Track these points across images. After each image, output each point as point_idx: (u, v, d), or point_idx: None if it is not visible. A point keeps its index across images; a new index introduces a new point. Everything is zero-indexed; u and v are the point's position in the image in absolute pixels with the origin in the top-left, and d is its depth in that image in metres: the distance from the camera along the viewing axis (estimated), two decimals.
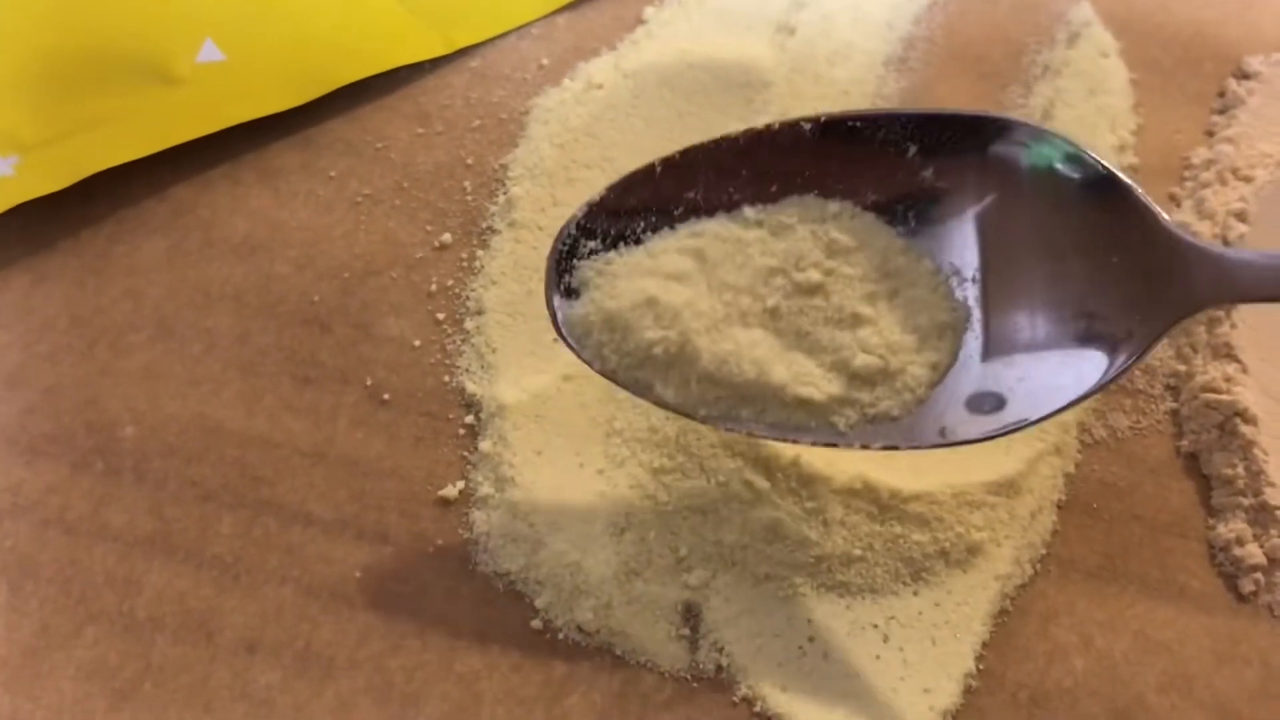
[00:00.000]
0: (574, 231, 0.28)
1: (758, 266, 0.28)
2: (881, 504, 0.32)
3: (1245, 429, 0.33)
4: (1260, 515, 0.33)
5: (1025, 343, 0.28)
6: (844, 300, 0.28)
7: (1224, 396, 0.34)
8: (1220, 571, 0.33)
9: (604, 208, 0.28)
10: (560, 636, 0.31)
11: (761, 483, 0.32)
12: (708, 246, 0.28)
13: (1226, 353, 0.34)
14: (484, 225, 0.36)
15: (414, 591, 0.32)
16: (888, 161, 0.28)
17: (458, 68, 0.39)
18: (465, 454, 0.34)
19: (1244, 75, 0.39)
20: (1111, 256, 0.28)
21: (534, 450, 0.33)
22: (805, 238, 0.29)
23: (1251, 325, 0.35)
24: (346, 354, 0.35)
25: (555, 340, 0.34)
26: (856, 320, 0.28)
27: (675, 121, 0.38)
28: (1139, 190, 0.27)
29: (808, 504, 0.32)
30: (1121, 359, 0.27)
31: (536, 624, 0.31)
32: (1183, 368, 0.35)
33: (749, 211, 0.29)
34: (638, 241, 0.29)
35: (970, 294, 0.29)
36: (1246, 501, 0.33)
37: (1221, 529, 0.33)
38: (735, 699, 0.31)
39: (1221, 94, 0.39)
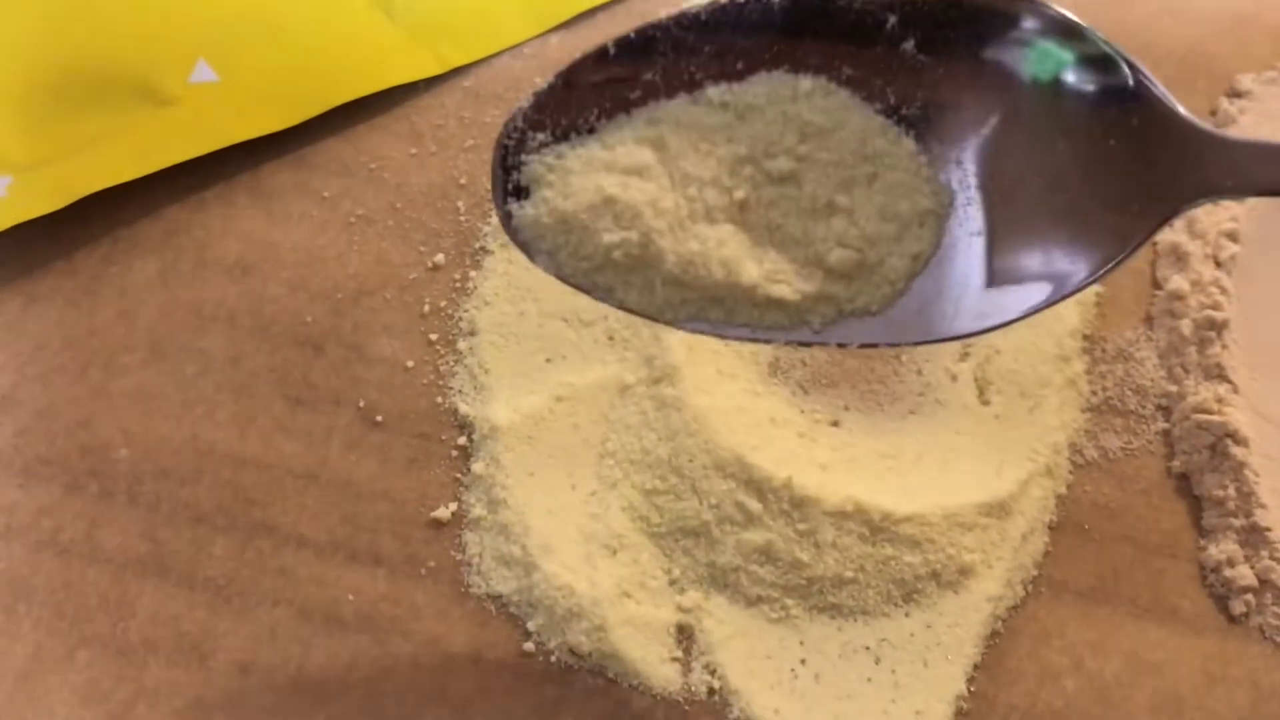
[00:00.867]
0: (520, 124, 0.26)
1: (723, 155, 0.26)
2: (873, 526, 0.32)
3: (1236, 450, 0.33)
4: (1251, 536, 0.33)
5: (1015, 230, 0.26)
6: (818, 189, 0.26)
7: (1215, 417, 0.34)
8: (1211, 593, 0.33)
9: (553, 96, 0.26)
10: (553, 659, 0.31)
11: (753, 505, 0.32)
12: (668, 135, 0.26)
13: (1218, 373, 0.35)
14: (477, 246, 0.36)
15: (406, 614, 0.32)
16: (865, 33, 0.26)
17: (451, 87, 0.39)
18: (458, 475, 0.34)
19: (1236, 94, 0.40)
20: (1109, 140, 0.26)
21: (526, 472, 0.33)
22: (775, 120, 0.26)
23: (1243, 345, 0.35)
24: (339, 375, 0.35)
25: (548, 361, 0.35)
26: (832, 210, 0.26)
27: None
28: (1142, 69, 0.25)
29: (799, 526, 0.32)
30: (1117, 251, 0.25)
31: (529, 646, 0.32)
32: (1174, 388, 0.35)
33: (712, 92, 0.26)
34: (591, 131, 0.26)
35: (954, 177, 0.26)
36: (1238, 523, 0.33)
37: (1213, 550, 0.33)
38: None
39: (1213, 113, 0.39)
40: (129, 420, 0.34)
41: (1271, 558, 0.32)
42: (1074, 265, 0.26)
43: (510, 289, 0.36)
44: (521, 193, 0.26)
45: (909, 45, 0.26)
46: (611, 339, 0.35)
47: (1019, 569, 0.33)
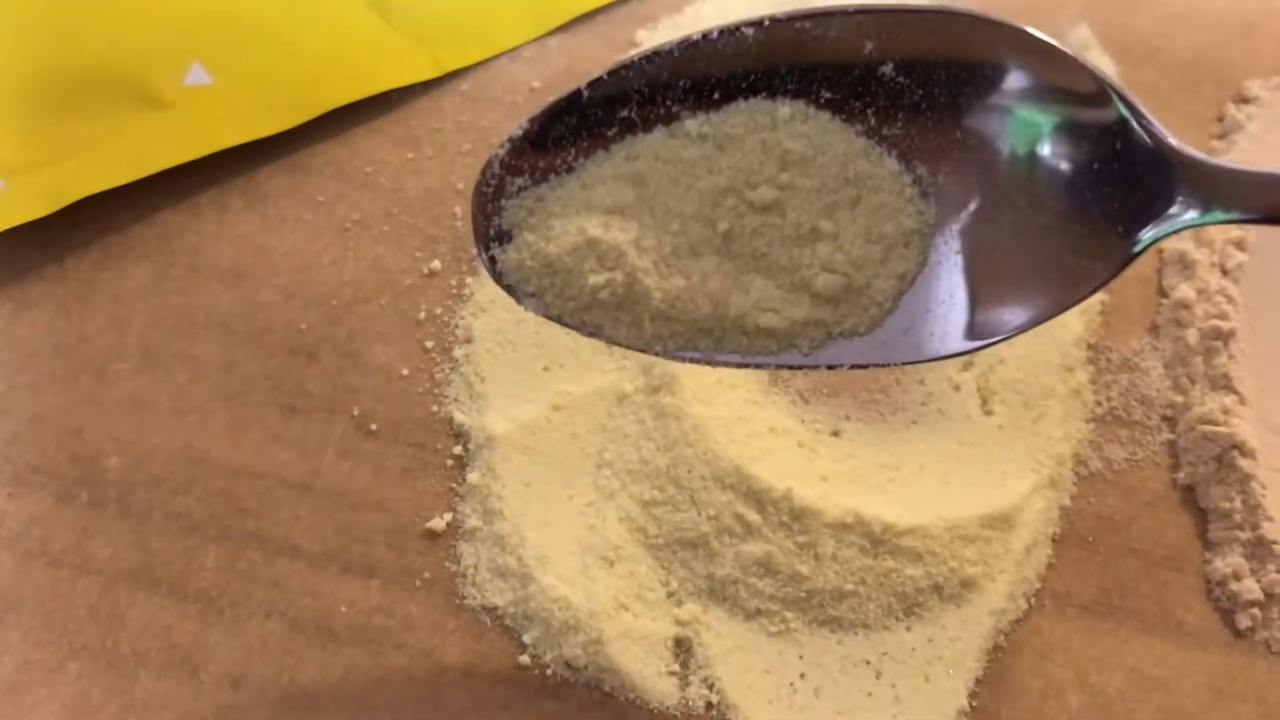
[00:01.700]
0: (498, 170, 0.25)
1: (704, 188, 0.26)
2: (874, 538, 0.31)
3: (1243, 462, 0.33)
4: (1258, 550, 0.32)
5: (1001, 249, 0.26)
6: (802, 216, 0.26)
7: (1221, 429, 0.33)
8: (1217, 607, 0.32)
9: (528, 141, 0.25)
10: (549, 673, 0.31)
11: (753, 516, 0.31)
12: (647, 171, 0.26)
13: (1224, 384, 0.34)
14: (474, 252, 0.36)
15: (400, 626, 0.32)
16: (843, 59, 0.26)
17: (448, 91, 0.39)
18: (453, 485, 0.33)
19: (1244, 100, 0.39)
20: (1093, 160, 0.26)
21: (523, 482, 0.33)
22: (755, 150, 0.26)
23: (1250, 356, 0.35)
24: (334, 383, 0.34)
25: (545, 369, 0.34)
26: (816, 235, 0.26)
27: None
28: (1124, 91, 0.25)
29: (799, 538, 0.31)
30: (1104, 271, 0.26)
31: (524, 660, 0.31)
32: (1180, 399, 0.34)
33: (690, 124, 0.26)
34: (569, 170, 0.26)
35: (938, 195, 0.26)
36: (1244, 535, 0.33)
37: (1218, 563, 0.33)
38: None
39: (1221, 119, 0.39)
40: (120, 428, 0.34)
41: (1278, 571, 0.32)
42: (1061, 284, 0.26)
43: (507, 296, 0.35)
44: (503, 237, 0.26)
45: (888, 69, 0.26)
46: (610, 347, 0.34)
47: (1022, 582, 0.32)
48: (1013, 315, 0.26)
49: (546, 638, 0.31)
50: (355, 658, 0.31)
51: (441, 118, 0.38)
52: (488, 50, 0.39)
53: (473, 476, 0.33)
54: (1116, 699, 0.31)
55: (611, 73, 0.25)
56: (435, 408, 0.34)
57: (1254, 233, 0.36)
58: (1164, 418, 0.35)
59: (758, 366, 0.27)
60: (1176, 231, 0.25)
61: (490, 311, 0.35)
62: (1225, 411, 0.34)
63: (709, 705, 0.31)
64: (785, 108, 0.26)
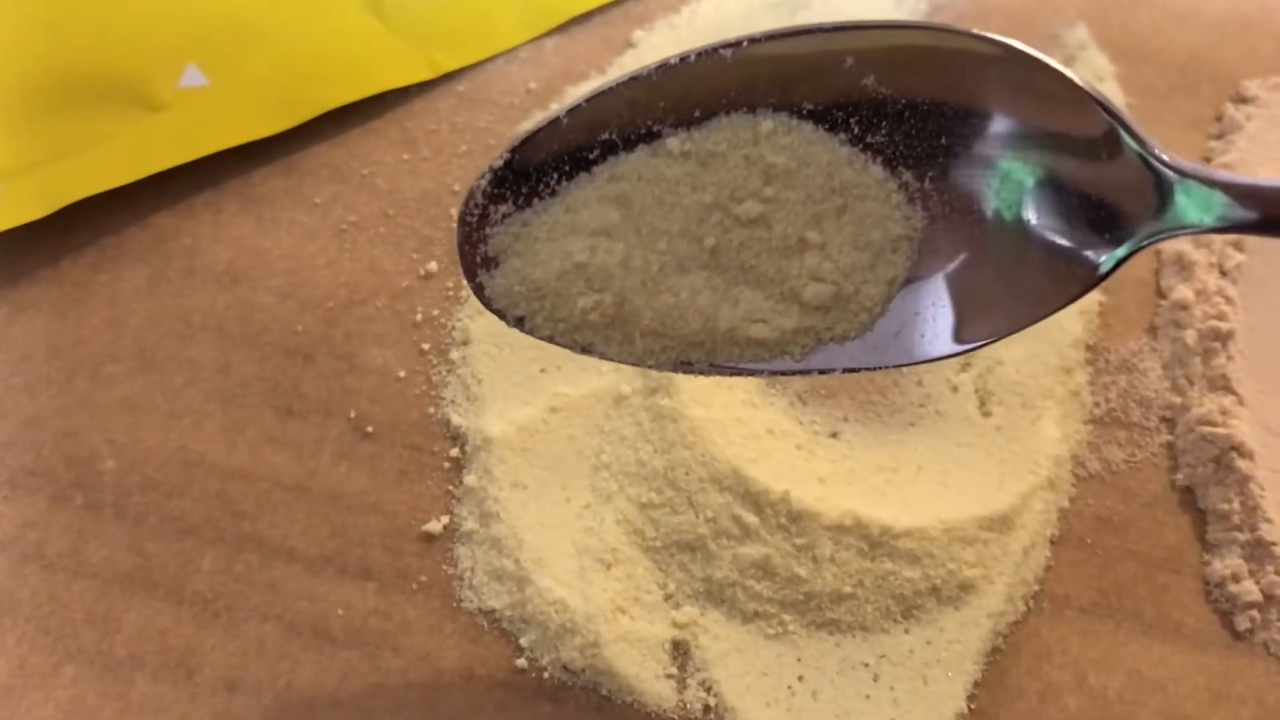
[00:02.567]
0: (480, 200, 0.26)
1: (689, 206, 0.26)
2: (872, 540, 0.31)
3: (1241, 463, 0.33)
4: (1256, 551, 0.32)
5: (988, 251, 0.26)
6: (789, 228, 0.26)
7: (1220, 430, 0.33)
8: (1216, 608, 0.32)
9: (510, 170, 0.26)
10: (546, 676, 0.31)
11: (750, 518, 0.31)
12: (631, 191, 0.26)
13: (1223, 385, 0.34)
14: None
15: (397, 629, 0.31)
16: (823, 72, 0.25)
17: (444, 92, 0.39)
18: (450, 488, 0.33)
19: (1242, 99, 0.39)
20: (1080, 171, 0.26)
21: (519, 485, 0.33)
22: (738, 165, 0.26)
23: (1249, 357, 0.34)
24: (330, 385, 0.34)
25: (542, 371, 0.34)
26: (804, 246, 0.26)
27: None
28: (1108, 102, 0.25)
29: (797, 540, 0.31)
30: (1090, 274, 0.26)
31: (521, 663, 0.31)
32: (1178, 400, 0.34)
33: (672, 143, 0.26)
34: (553, 194, 0.26)
35: (924, 199, 0.26)
36: (1242, 537, 0.32)
37: (1217, 565, 0.33)
38: None
39: (1219, 119, 0.39)
40: (116, 431, 0.34)
41: (1277, 573, 0.32)
42: (1051, 286, 0.26)
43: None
44: (490, 263, 0.26)
45: (869, 80, 0.26)
46: None
47: (1020, 584, 0.32)
48: (1002, 317, 0.26)
49: (544, 640, 0.31)
50: (352, 661, 0.31)
51: (438, 119, 0.38)
52: (484, 51, 0.39)
53: (470, 479, 0.33)
54: (1115, 701, 0.31)
55: (591, 99, 0.25)
56: (432, 410, 0.34)
57: None
58: (1162, 419, 0.35)
59: (750, 374, 0.27)
60: (1165, 238, 0.25)
61: (486, 314, 0.35)
62: (1224, 413, 0.34)
63: (707, 708, 0.31)
64: (767, 121, 0.26)
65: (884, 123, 0.26)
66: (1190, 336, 0.35)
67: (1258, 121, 0.38)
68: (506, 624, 0.31)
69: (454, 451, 0.33)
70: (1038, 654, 0.32)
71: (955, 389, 0.34)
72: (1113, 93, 0.39)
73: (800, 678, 0.31)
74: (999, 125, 0.26)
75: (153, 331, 0.35)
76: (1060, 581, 0.32)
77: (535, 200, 0.26)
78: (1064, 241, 0.26)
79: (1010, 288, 0.26)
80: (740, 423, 0.33)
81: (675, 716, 0.31)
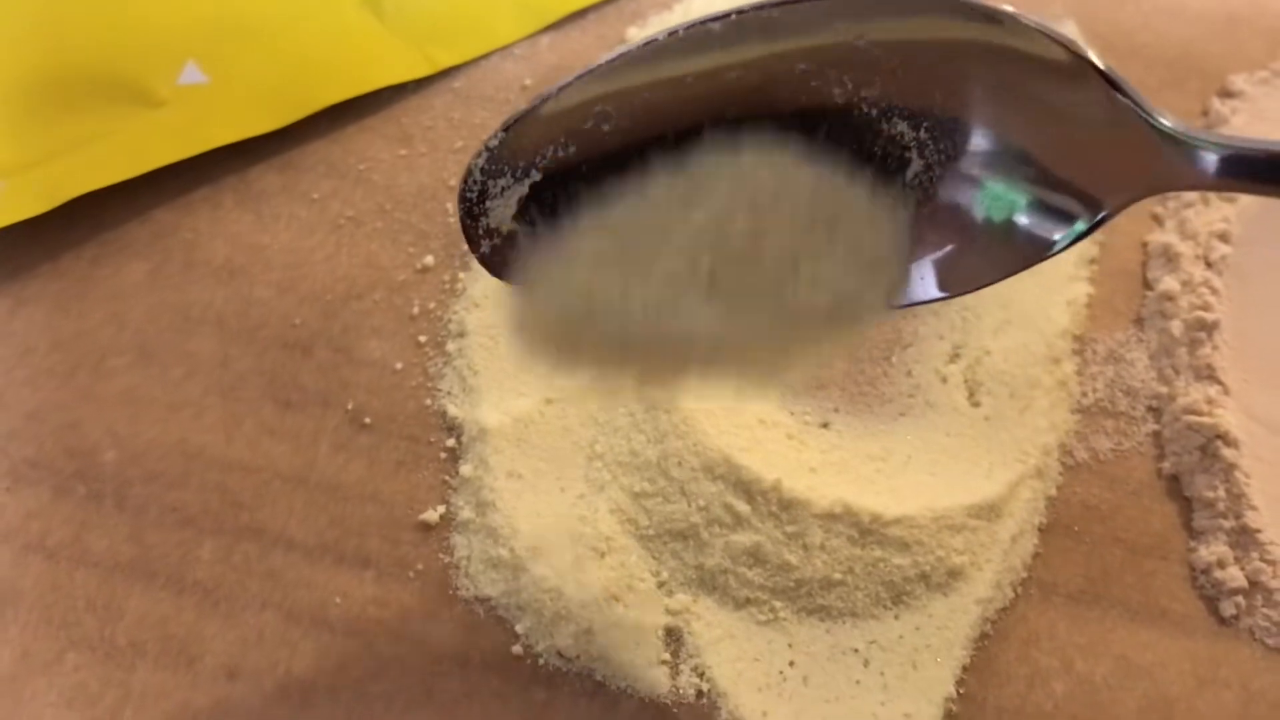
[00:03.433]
0: (479, 177, 0.27)
1: (681, 236, 0.26)
2: (862, 528, 0.32)
3: (1227, 451, 0.33)
4: (1241, 538, 0.33)
5: (975, 216, 0.27)
6: (781, 250, 0.27)
7: (1206, 419, 0.34)
8: (1201, 594, 0.33)
9: (505, 148, 0.27)
10: (541, 662, 0.31)
11: (742, 507, 0.32)
12: (624, 223, 0.27)
13: (1208, 374, 0.34)
14: (466, 247, 0.36)
15: (394, 617, 0.32)
16: (813, 29, 0.26)
17: (440, 89, 0.39)
18: (446, 478, 0.34)
19: (1228, 94, 0.39)
20: (1069, 130, 0.26)
21: (515, 474, 0.33)
22: (724, 195, 0.26)
23: (1233, 347, 0.35)
24: (328, 377, 0.35)
25: None
26: (798, 264, 0.27)
27: None
28: (1098, 62, 0.25)
29: (788, 528, 0.32)
30: (1068, 235, 0.27)
31: (517, 649, 0.31)
32: (1164, 389, 0.35)
33: (660, 174, 0.27)
34: (548, 178, 0.27)
35: (920, 150, 0.27)
36: (1228, 524, 0.33)
37: (1203, 551, 0.33)
38: None
39: (1205, 113, 0.39)
40: (117, 423, 0.34)
41: (1262, 559, 0.32)
42: (1029, 248, 0.27)
43: (499, 290, 0.36)
44: (493, 234, 0.27)
45: (862, 43, 0.26)
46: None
47: (1008, 571, 0.33)
48: (994, 266, 0.27)
49: (539, 627, 0.31)
50: (350, 648, 0.31)
51: (433, 115, 0.39)
52: (479, 48, 0.40)
53: (465, 469, 0.33)
54: (1102, 686, 0.32)
55: (581, 76, 0.26)
56: (429, 401, 0.35)
57: (1237, 225, 0.36)
58: (1149, 408, 0.35)
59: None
60: (1158, 191, 0.26)
61: (483, 306, 0.35)
62: (1209, 402, 0.34)
63: (699, 693, 0.31)
64: (749, 155, 0.27)
65: (876, 79, 0.26)
66: (1176, 327, 0.35)
67: (1243, 116, 0.39)
68: (502, 611, 0.32)
69: (450, 442, 0.34)
70: (1026, 640, 0.32)
71: (944, 379, 0.35)
72: None
73: (791, 663, 0.31)
74: (990, 87, 0.26)
75: (153, 325, 0.35)
76: (1048, 568, 0.33)
77: (533, 171, 0.27)
78: (1059, 195, 0.27)
79: (1005, 236, 0.27)
80: (732, 413, 0.34)
81: (669, 702, 0.31)
